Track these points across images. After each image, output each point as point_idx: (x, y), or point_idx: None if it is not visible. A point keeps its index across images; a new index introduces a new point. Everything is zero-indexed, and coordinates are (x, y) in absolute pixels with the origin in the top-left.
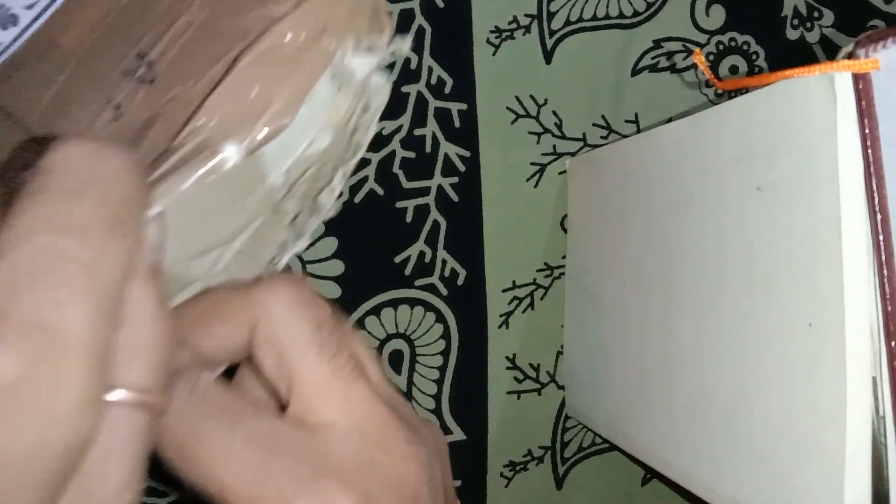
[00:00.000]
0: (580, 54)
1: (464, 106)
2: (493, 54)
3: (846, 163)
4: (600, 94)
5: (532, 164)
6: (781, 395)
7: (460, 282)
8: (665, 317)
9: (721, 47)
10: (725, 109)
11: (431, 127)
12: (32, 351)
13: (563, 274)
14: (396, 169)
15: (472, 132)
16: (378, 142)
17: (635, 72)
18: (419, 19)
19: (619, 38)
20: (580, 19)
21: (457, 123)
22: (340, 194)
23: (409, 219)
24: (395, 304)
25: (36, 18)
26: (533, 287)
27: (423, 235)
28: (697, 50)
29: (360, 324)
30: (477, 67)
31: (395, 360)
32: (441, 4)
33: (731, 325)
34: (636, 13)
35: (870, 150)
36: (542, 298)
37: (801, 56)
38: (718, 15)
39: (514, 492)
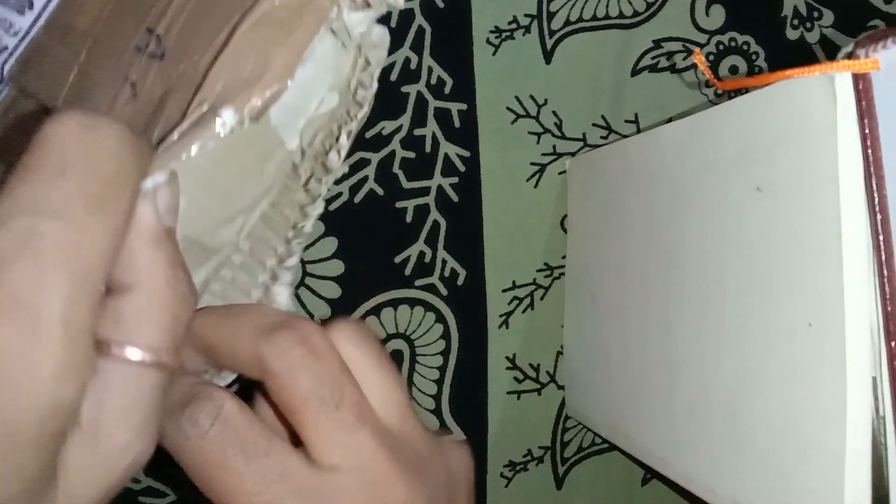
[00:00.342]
0: (580, 54)
1: (464, 106)
2: (493, 54)
3: (846, 163)
4: (600, 94)
5: (532, 164)
6: (781, 395)
7: (460, 282)
8: (665, 317)
9: (721, 47)
10: (725, 109)
11: (431, 127)
12: (9, 328)
13: (563, 274)
14: (396, 169)
15: (472, 132)
16: (378, 142)
17: (635, 72)
18: (419, 19)
19: (619, 38)
20: (580, 19)
21: (457, 123)
22: (347, 156)
23: (409, 219)
24: (395, 304)
25: (50, 1)
26: (533, 287)
27: (423, 235)
28: (697, 50)
29: None
30: (477, 67)
31: (396, 360)
32: (441, 4)
33: (731, 325)
34: (636, 13)
35: (870, 150)
36: (542, 298)
37: (801, 56)
38: (718, 15)
39: (514, 492)
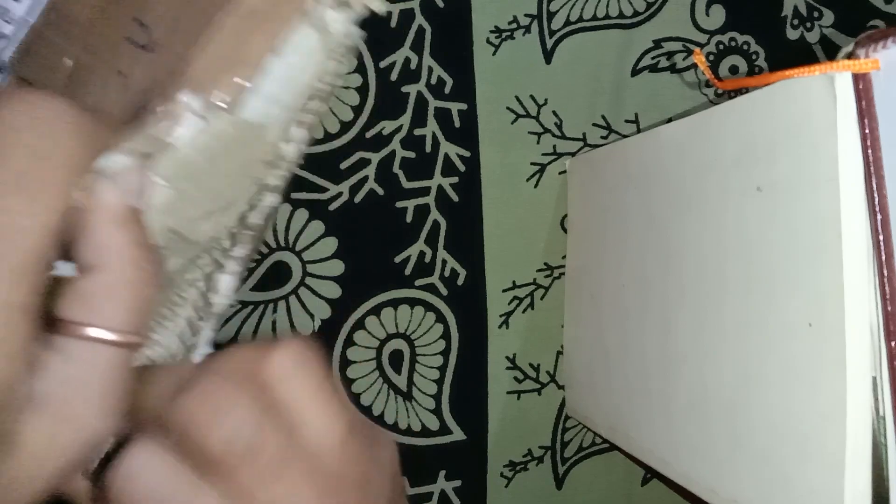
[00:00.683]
0: (580, 54)
1: (464, 106)
2: (493, 54)
3: (846, 163)
4: (600, 94)
5: (532, 164)
6: (781, 395)
7: (460, 282)
8: (665, 317)
9: (721, 47)
10: (725, 109)
11: (431, 127)
12: None
13: (563, 274)
14: (396, 169)
15: (472, 132)
16: (378, 142)
17: (635, 72)
18: (419, 19)
19: (619, 38)
20: (580, 19)
21: (457, 123)
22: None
23: (409, 219)
24: (395, 304)
25: None
26: (533, 287)
27: (423, 235)
28: (697, 50)
29: (360, 324)
30: (477, 67)
31: (395, 360)
32: (441, 4)
33: (731, 325)
34: (636, 13)
35: (870, 150)
36: (542, 298)
37: (801, 56)
38: (718, 15)
39: (514, 492)
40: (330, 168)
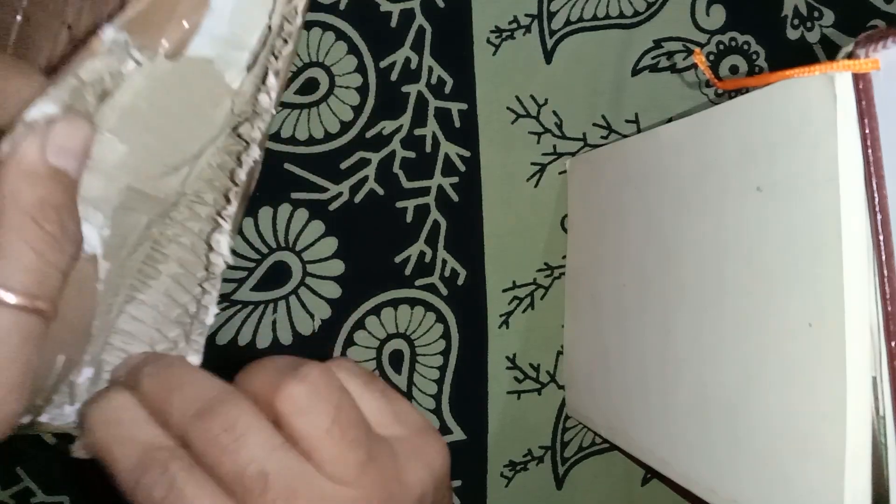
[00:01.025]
0: (580, 54)
1: (464, 106)
2: (494, 54)
3: (846, 163)
4: (600, 94)
5: (532, 164)
6: (781, 395)
7: (460, 282)
8: (665, 317)
9: (721, 47)
10: (725, 109)
11: (431, 127)
12: None
13: (563, 274)
14: (396, 169)
15: (472, 132)
16: (378, 141)
17: (635, 72)
18: (419, 19)
19: (619, 38)
20: (580, 19)
21: (457, 123)
22: (277, 94)
23: (409, 219)
24: (395, 304)
25: None
26: (533, 287)
27: (423, 235)
28: (697, 50)
29: (361, 324)
30: (477, 67)
31: (395, 360)
32: (441, 4)
33: (731, 325)
34: (636, 13)
35: (870, 150)
36: (542, 298)
37: (801, 56)
38: (718, 15)
39: (514, 492)
40: (330, 168)
